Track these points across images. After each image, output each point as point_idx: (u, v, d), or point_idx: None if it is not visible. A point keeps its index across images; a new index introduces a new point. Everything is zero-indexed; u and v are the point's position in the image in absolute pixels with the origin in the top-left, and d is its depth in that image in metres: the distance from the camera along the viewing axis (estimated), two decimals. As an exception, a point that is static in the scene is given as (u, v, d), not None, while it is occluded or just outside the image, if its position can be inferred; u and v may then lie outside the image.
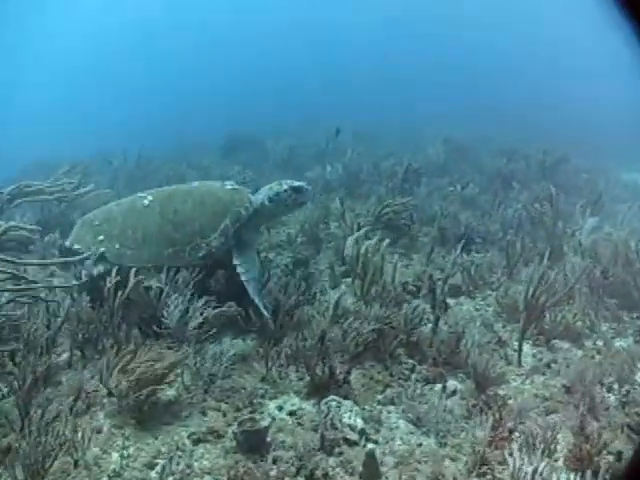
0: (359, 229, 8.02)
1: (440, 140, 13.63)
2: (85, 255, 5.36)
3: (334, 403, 4.56)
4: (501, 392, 5.32)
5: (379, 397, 5.10)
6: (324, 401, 4.61)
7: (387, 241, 6.42)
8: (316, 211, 9.18)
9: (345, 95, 21.93)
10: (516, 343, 6.21)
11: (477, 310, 6.96)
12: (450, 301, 7.09)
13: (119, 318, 5.08)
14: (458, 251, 6.88)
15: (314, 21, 33.16)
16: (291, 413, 4.69)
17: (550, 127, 13.66)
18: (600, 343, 6.31)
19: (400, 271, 7.40)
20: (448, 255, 8.27)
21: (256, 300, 5.40)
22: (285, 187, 5.94)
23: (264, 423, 4.22)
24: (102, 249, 5.39)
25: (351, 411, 4.57)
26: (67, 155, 11.21)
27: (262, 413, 4.57)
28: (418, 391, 5.23)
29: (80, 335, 5.15)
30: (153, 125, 16.89)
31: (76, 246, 5.51)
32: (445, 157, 12.96)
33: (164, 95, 24.00)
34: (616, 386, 5.47)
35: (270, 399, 4.85)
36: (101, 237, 5.44)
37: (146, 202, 5.64)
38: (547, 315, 6.40)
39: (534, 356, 6.05)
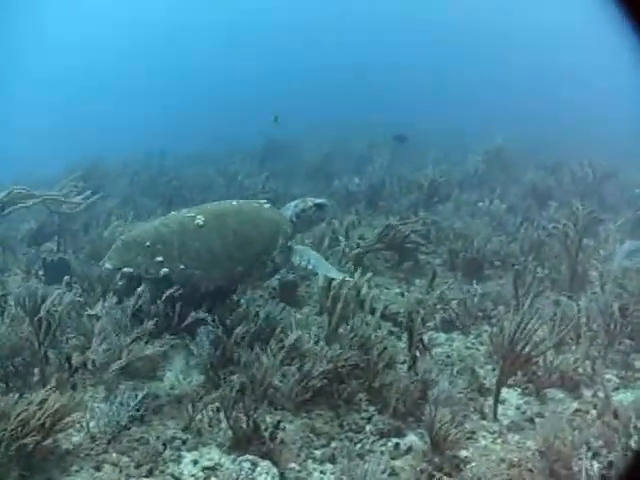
0: (358, 249, 7.50)
1: (482, 150, 12.76)
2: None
3: (247, 464, 4.05)
4: (463, 454, 4.67)
5: (317, 453, 4.54)
6: (237, 461, 4.12)
7: (369, 275, 5.84)
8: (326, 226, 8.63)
9: (393, 97, 21.19)
10: (502, 393, 5.53)
11: (468, 349, 6.27)
12: (441, 336, 6.46)
13: (45, 349, 4.75)
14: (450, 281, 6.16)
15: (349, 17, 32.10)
16: (206, 469, 4.20)
17: (603, 139, 12.55)
18: (601, 395, 5.50)
19: (394, 300, 6.85)
20: (459, 282, 7.62)
21: (332, 274, 5.80)
22: (310, 204, 6.43)
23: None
24: (165, 270, 5.35)
25: (267, 473, 4.05)
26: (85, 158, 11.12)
27: (163, 472, 4.09)
28: (367, 447, 4.67)
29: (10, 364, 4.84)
30: (188, 128, 16.76)
31: (126, 269, 5.42)
32: (485, 168, 12.11)
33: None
34: (605, 451, 4.71)
35: (188, 450, 4.38)
36: (159, 258, 5.38)
37: (200, 222, 5.65)
38: (540, 359, 5.68)
39: (518, 408, 5.35)
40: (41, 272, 7.44)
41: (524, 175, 11.67)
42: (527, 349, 5.05)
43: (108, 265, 5.51)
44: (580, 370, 5.83)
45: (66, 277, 6.72)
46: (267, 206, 6.30)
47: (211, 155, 14.50)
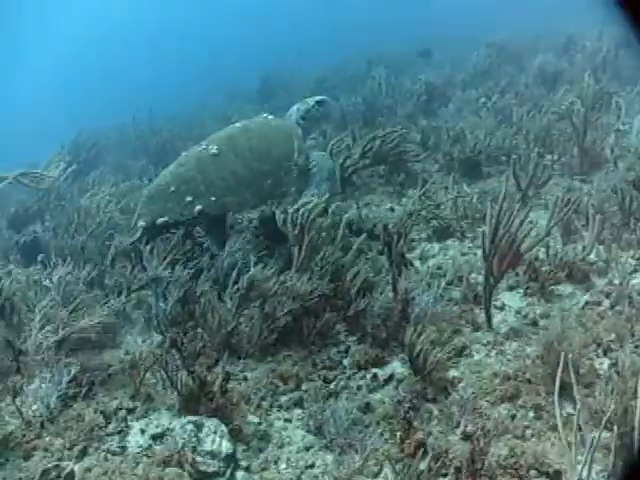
0: (343, 167, 6.84)
1: (483, 44, 11.71)
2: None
3: (190, 427, 3.57)
4: (452, 374, 4.09)
5: (282, 400, 4.03)
6: (179, 426, 3.64)
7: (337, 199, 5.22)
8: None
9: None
10: (501, 297, 4.90)
11: (463, 255, 5.60)
12: (435, 246, 5.81)
13: None
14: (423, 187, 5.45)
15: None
16: (155, 437, 3.75)
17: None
18: (617, 282, 4.79)
19: (382, 217, 6.21)
20: (457, 185, 6.89)
21: (311, 190, 5.68)
22: (311, 103, 6.27)
23: (68, 469, 3.31)
24: (198, 207, 5.23)
25: (215, 433, 3.56)
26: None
27: (98, 449, 3.64)
28: (342, 383, 4.14)
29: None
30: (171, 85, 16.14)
31: (161, 219, 5.27)
32: (489, 62, 11.10)
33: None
34: (616, 346, 4.06)
35: (137, 419, 3.93)
36: (189, 198, 5.26)
37: (214, 151, 5.50)
38: (539, 252, 5.02)
39: (518, 312, 4.69)
40: (18, 255, 7.07)
41: (532, 62, 10.56)
42: (512, 242, 4.32)
43: (142, 222, 5.35)
44: (592, 257, 5.11)
45: (40, 255, 6.35)
46: (271, 117, 6.16)
47: (208, 106, 13.79)
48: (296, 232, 4.78)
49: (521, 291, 4.93)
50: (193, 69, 19.82)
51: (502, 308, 4.76)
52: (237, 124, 5.99)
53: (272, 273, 4.57)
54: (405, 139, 7.38)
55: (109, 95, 17.23)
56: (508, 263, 4.42)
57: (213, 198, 5.32)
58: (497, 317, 4.65)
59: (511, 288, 4.99)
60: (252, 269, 4.53)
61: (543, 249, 5.11)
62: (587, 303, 4.64)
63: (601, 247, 5.28)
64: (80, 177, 9.40)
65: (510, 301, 4.84)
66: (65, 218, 7.37)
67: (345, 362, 4.37)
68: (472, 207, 6.18)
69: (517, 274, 5.03)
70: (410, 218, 5.49)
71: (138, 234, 5.35)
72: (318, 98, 6.40)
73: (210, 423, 3.61)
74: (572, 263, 4.98)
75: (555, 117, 7.85)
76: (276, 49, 19.07)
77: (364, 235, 5.08)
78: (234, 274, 4.62)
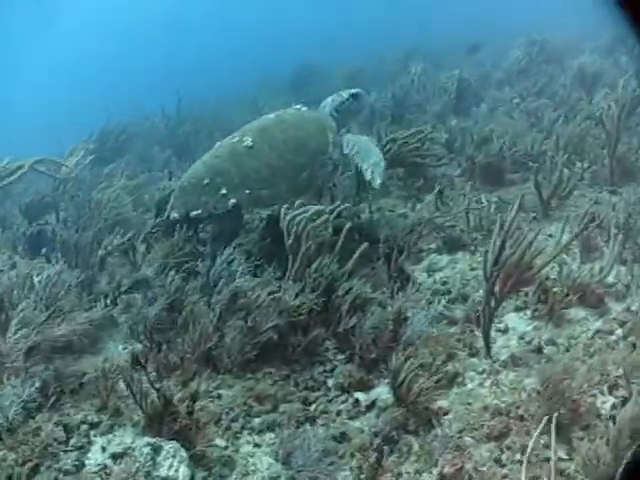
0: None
1: (525, 42, 11.18)
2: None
3: (146, 449, 3.36)
4: (439, 404, 3.78)
5: (255, 422, 3.79)
6: (138, 447, 3.43)
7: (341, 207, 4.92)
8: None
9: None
10: (507, 318, 4.56)
11: (473, 270, 5.24)
12: (444, 257, 5.49)
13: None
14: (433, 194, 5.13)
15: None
16: (115, 456, 3.55)
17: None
18: (634, 309, 4.40)
19: (394, 223, 5.91)
20: (477, 192, 6.53)
21: (363, 167, 5.51)
22: (345, 96, 6.10)
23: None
24: (233, 201, 5.14)
25: (173, 457, 3.34)
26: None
27: (50, 467, 3.45)
28: (321, 407, 3.88)
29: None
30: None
31: (194, 212, 5.19)
32: (528, 60, 10.60)
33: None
34: (623, 383, 3.69)
35: (101, 434, 3.73)
36: (223, 191, 5.16)
37: (248, 143, 5.38)
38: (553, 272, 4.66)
39: (522, 337, 4.34)
40: (26, 246, 6.99)
41: (573, 62, 10.02)
42: (519, 261, 3.97)
43: (175, 214, 5.27)
44: (610, 279, 4.71)
45: (43, 249, 6.28)
46: (304, 109, 6.01)
47: (239, 96, 13.58)
48: (291, 240, 4.52)
49: (529, 313, 4.58)
50: (227, 58, 19.68)
51: (505, 331, 4.42)
52: (270, 115, 5.88)
53: (258, 283, 4.32)
54: (430, 140, 7.06)
55: (141, 84, 17.19)
56: (512, 284, 4.07)
57: (247, 191, 5.21)
58: (498, 341, 4.31)
59: (518, 309, 4.64)
60: (237, 278, 4.30)
61: (557, 268, 4.72)
62: (598, 331, 4.26)
63: (622, 268, 4.88)
64: (103, 166, 9.37)
65: (515, 324, 4.50)
66: (77, 210, 7.30)
67: (330, 383, 4.10)
68: (488, 217, 5.80)
69: (526, 294, 4.68)
70: (418, 228, 5.17)
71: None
72: (353, 91, 6.23)
73: (169, 446, 3.40)
74: (587, 285, 4.59)
75: (591, 122, 7.37)
76: (322, 41, 18.73)
77: (365, 245, 4.77)
78: (220, 282, 4.40)
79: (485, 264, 3.97)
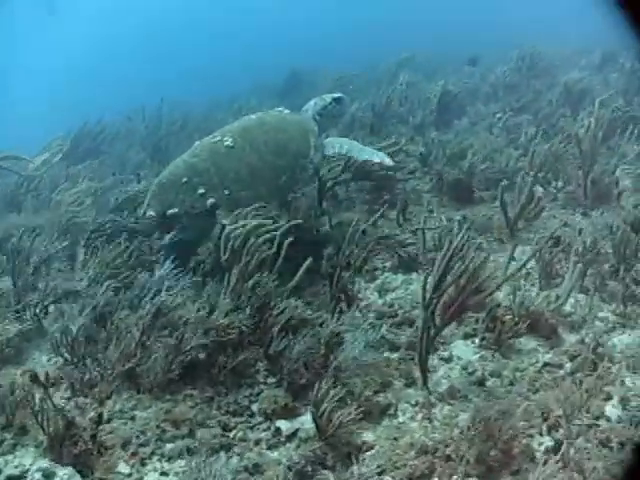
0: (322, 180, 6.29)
1: (516, 55, 10.94)
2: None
3: (37, 475, 3.11)
4: (364, 438, 3.52)
5: (167, 448, 3.53)
6: (30, 472, 3.18)
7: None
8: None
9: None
10: (453, 346, 4.30)
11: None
12: (398, 277, 5.22)
13: None
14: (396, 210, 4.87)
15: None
16: (11, 479, 3.30)
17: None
18: (588, 340, 4.15)
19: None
20: (445, 209, 6.29)
21: (372, 158, 5.67)
22: (328, 100, 6.06)
23: None
24: (211, 200, 5.03)
25: (68, 486, 3.09)
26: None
27: None
28: (239, 435, 3.62)
29: None
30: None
31: (171, 210, 5.07)
32: (516, 75, 10.36)
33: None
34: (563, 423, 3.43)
35: (2, 455, 3.48)
36: (201, 191, 5.07)
37: (229, 143, 5.30)
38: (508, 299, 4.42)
39: (465, 367, 4.08)
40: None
41: (562, 78, 9.76)
42: (464, 287, 3.72)
43: (151, 212, 5.17)
44: (568, 308, 4.46)
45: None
46: (287, 111, 5.96)
47: (225, 101, 13.37)
48: (226, 256, 4.27)
49: (477, 341, 4.32)
50: (220, 64, 19.49)
51: (449, 360, 4.17)
52: (252, 116, 5.80)
53: (188, 298, 4.08)
54: (405, 153, 6.87)
55: (129, 86, 16.97)
56: (454, 312, 3.81)
57: (226, 192, 5.12)
58: (440, 371, 4.06)
59: (467, 336, 4.39)
60: (175, 291, 4.07)
61: (510, 294, 4.47)
62: (546, 365, 4.00)
63: (581, 297, 4.63)
64: (74, 165, 9.14)
65: (461, 352, 4.24)
66: (35, 211, 7.09)
67: (254, 408, 3.84)
68: (449, 237, 5.54)
69: (477, 321, 4.42)
70: (372, 245, 4.92)
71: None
72: (336, 95, 6.19)
73: (64, 472, 3.16)
74: (541, 313, 4.34)
75: (570, 140, 7.11)
76: (320, 47, 18.56)
77: (309, 261, 4.51)
78: (148, 296, 4.15)
79: (424, 289, 3.71)
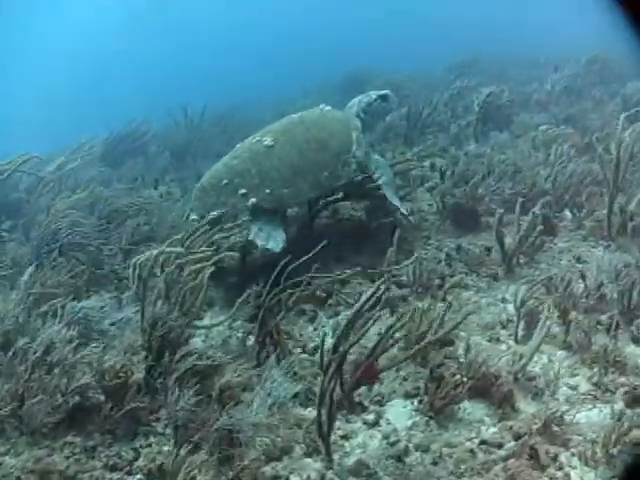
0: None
1: (582, 61, 9.91)
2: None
3: None
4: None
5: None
6: None
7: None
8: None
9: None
10: (389, 406, 3.71)
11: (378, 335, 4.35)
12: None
13: None
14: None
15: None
16: None
17: None
18: (542, 414, 3.42)
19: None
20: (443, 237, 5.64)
21: (395, 202, 5.50)
22: (374, 97, 5.99)
23: None
24: (253, 200, 5.06)
25: None
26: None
27: None
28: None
29: None
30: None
31: (212, 213, 5.10)
32: (576, 82, 9.36)
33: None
34: None
35: None
36: (243, 191, 5.12)
37: (268, 143, 5.32)
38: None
39: (387, 437, 3.48)
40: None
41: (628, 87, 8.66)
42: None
43: (194, 216, 5.21)
44: (536, 369, 3.77)
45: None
46: (328, 108, 5.86)
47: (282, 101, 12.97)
48: (135, 286, 3.86)
49: (416, 403, 3.67)
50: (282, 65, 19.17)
51: (375, 424, 3.56)
52: (293, 115, 5.74)
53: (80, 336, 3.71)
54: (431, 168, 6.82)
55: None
56: (360, 376, 3.22)
57: (268, 191, 5.13)
58: (358, 437, 3.47)
59: (408, 396, 3.76)
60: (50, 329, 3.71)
61: (463, 349, 3.81)
62: (484, 442, 3.32)
63: (562, 355, 3.91)
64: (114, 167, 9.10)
65: (394, 415, 3.63)
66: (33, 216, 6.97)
67: (139, 463, 3.41)
68: (435, 271, 4.91)
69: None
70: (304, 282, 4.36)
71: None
72: (382, 92, 6.07)
73: None
74: (497, 375, 3.64)
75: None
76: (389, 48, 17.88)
77: (245, 294, 4.05)
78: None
79: (322, 349, 3.14)
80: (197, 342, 4.49)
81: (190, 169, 8.94)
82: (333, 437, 3.37)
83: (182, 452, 3.17)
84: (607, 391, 3.58)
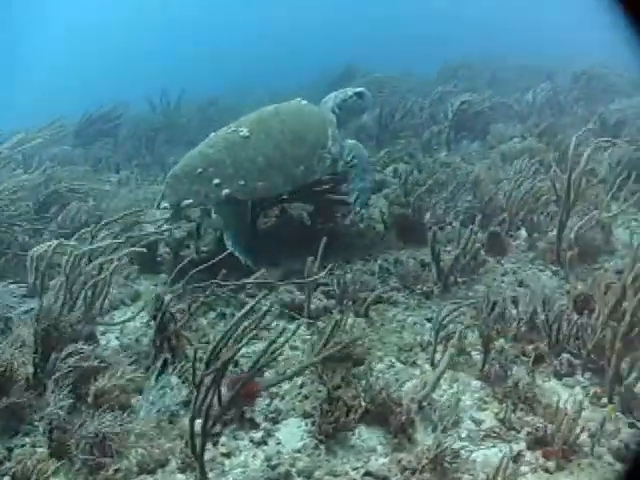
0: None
1: (570, 73, 9.69)
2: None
3: None
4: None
5: None
6: None
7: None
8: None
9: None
10: (283, 423, 3.53)
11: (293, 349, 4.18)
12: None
13: None
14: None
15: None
16: None
17: None
18: (434, 451, 3.24)
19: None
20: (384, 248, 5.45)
21: (357, 186, 5.51)
22: (350, 93, 5.92)
23: None
24: (226, 191, 5.05)
25: None
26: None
27: None
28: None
29: None
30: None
31: (185, 201, 5.14)
32: (565, 96, 9.14)
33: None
34: None
35: None
36: (216, 181, 5.10)
37: (244, 133, 5.29)
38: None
39: (269, 459, 3.29)
40: None
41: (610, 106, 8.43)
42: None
43: (165, 204, 5.23)
44: (442, 400, 3.58)
45: None
46: (304, 102, 5.81)
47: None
48: (33, 278, 3.68)
49: (309, 425, 3.49)
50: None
51: (261, 443, 3.39)
52: (269, 107, 5.68)
53: None
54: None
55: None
56: (238, 393, 3.04)
57: (242, 182, 5.11)
58: (241, 456, 3.29)
59: (305, 416, 3.59)
60: None
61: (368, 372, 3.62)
62: (369, 474, 3.14)
63: (477, 385, 3.73)
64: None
65: (286, 436, 3.45)
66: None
67: (9, 464, 3.23)
68: (368, 283, 4.74)
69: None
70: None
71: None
72: (358, 89, 6.00)
73: None
74: (397, 402, 3.46)
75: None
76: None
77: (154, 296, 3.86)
78: None
79: (193, 365, 2.95)
80: (110, 338, 4.36)
81: (157, 155, 8.76)
82: (214, 453, 3.21)
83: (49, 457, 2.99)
84: (512, 429, 3.37)
